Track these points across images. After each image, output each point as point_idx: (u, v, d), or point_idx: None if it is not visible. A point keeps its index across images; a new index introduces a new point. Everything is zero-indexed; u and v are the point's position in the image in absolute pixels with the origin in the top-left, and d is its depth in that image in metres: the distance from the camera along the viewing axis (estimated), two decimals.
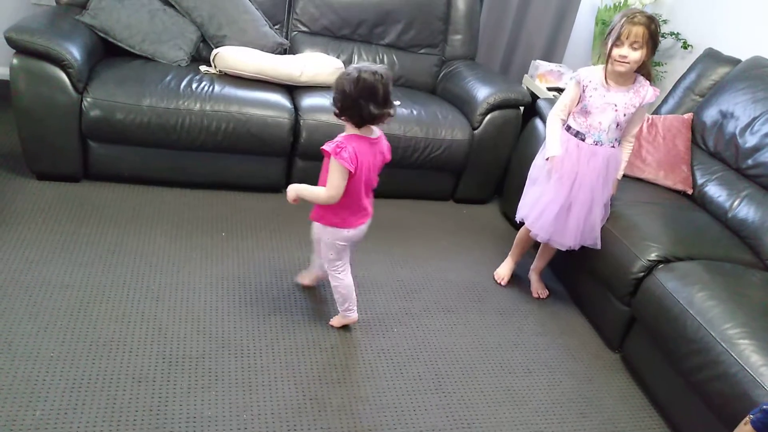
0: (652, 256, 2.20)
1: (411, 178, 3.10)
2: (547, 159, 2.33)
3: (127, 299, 2.09)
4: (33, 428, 1.58)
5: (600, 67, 2.27)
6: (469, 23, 3.47)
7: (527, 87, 3.49)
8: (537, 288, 2.64)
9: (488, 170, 3.20)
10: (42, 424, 1.60)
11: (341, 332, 2.16)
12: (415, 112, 3.00)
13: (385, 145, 1.96)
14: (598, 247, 2.37)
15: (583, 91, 2.28)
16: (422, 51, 3.46)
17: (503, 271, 2.68)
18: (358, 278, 2.43)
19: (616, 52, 2.15)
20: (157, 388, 1.78)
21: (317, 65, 3.00)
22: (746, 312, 1.92)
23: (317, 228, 2.04)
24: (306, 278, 2.32)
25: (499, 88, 3.09)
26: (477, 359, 2.18)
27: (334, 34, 3.32)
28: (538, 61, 3.62)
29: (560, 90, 3.34)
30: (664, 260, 2.20)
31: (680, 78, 3.13)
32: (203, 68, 2.88)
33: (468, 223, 3.12)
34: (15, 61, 2.40)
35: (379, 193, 3.04)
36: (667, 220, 2.41)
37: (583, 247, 2.40)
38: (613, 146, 2.31)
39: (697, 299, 1.98)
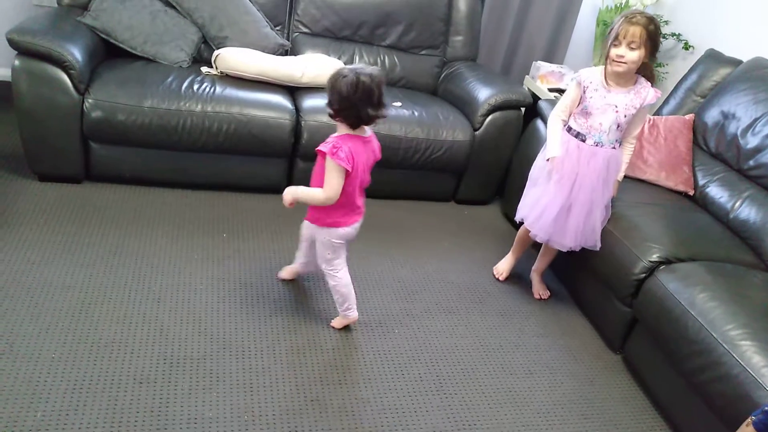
0: (654, 257, 2.20)
1: (412, 179, 3.10)
2: (548, 160, 2.34)
3: (129, 300, 2.09)
4: (34, 429, 1.58)
5: (601, 68, 2.26)
6: (470, 24, 3.47)
7: (528, 88, 3.49)
8: (538, 289, 2.64)
9: (489, 171, 3.20)
10: (43, 426, 1.60)
11: (342, 333, 2.16)
12: (416, 113, 3.00)
13: (376, 144, 1.99)
14: (598, 248, 2.37)
15: (584, 92, 2.28)
16: (423, 52, 3.46)
17: (503, 266, 2.69)
18: (359, 279, 2.44)
19: (613, 52, 2.15)
20: (158, 389, 1.78)
21: (318, 66, 3.00)
22: (748, 313, 1.92)
23: (311, 229, 2.06)
24: (286, 273, 2.35)
25: (501, 89, 3.09)
26: (478, 360, 2.18)
27: (336, 36, 3.32)
28: (539, 62, 3.62)
29: (561, 91, 3.34)
30: (666, 261, 2.20)
31: (681, 79, 3.13)
32: (204, 69, 2.88)
33: (469, 224, 3.12)
34: (17, 62, 2.40)
35: (380, 194, 3.08)
36: (668, 221, 2.41)
37: (584, 249, 2.40)
38: (614, 147, 2.31)
39: (698, 300, 1.98)
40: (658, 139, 2.83)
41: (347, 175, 1.86)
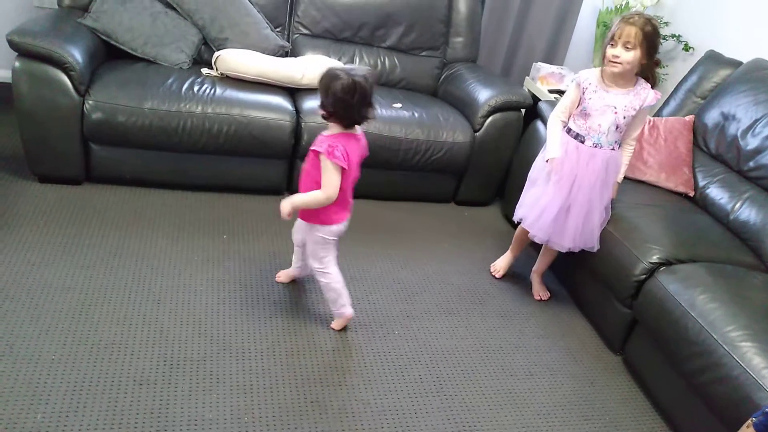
0: (654, 259, 2.20)
1: (412, 180, 3.10)
2: (547, 161, 2.34)
3: (129, 302, 2.09)
4: (34, 431, 1.58)
5: (600, 69, 2.27)
6: (470, 26, 3.47)
7: (528, 89, 3.49)
8: (538, 290, 2.64)
9: (489, 172, 3.20)
10: (43, 427, 1.60)
11: (342, 335, 2.16)
12: (416, 115, 3.00)
13: (364, 140, 2.02)
14: (596, 249, 2.37)
15: (583, 93, 2.28)
16: (423, 53, 3.46)
17: (500, 263, 2.69)
18: (359, 280, 2.44)
19: (609, 51, 2.16)
20: (158, 390, 1.78)
21: (319, 68, 3.00)
22: (748, 314, 1.92)
23: (304, 228, 2.08)
24: (284, 277, 2.36)
25: (501, 90, 3.09)
26: (478, 362, 2.18)
27: (336, 37, 3.32)
28: (539, 63, 3.62)
29: (561, 92, 3.34)
30: (666, 262, 2.20)
31: (681, 80, 3.13)
32: (205, 71, 2.88)
33: (469, 225, 3.12)
34: (17, 63, 2.40)
35: (380, 196, 3.08)
36: (668, 222, 2.41)
37: (584, 250, 2.40)
38: (613, 149, 2.31)
39: (698, 302, 1.98)
40: (658, 141, 2.83)
41: (342, 172, 1.90)
